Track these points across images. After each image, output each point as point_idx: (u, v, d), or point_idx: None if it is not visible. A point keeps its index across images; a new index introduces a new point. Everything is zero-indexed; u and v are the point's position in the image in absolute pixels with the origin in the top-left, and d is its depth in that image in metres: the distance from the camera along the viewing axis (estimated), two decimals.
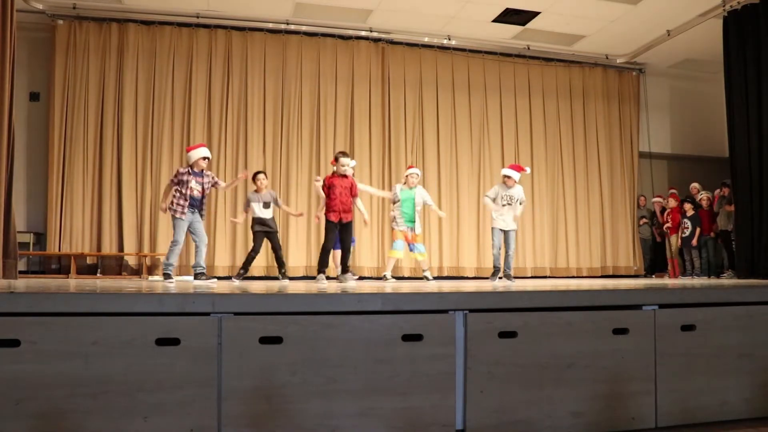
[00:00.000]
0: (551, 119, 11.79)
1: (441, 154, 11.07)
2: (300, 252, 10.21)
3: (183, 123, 10.05)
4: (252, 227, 7.31)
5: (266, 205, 7.31)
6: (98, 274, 9.50)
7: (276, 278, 8.49)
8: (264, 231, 7.24)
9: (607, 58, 11.82)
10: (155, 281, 7.32)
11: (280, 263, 7.43)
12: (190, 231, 6.63)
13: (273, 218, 7.38)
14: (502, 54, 11.46)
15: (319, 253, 7.02)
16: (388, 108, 10.88)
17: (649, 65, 12.23)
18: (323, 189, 6.90)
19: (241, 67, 10.31)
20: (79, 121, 9.69)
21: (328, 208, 6.77)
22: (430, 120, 11.11)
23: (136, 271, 9.67)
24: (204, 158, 6.71)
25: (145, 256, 9.59)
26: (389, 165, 10.78)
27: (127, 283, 5.41)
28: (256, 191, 7.34)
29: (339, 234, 6.86)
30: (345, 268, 7.07)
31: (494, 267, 7.61)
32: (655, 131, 12.55)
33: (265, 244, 7.34)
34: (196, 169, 6.67)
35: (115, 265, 9.72)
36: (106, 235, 9.61)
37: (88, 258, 9.61)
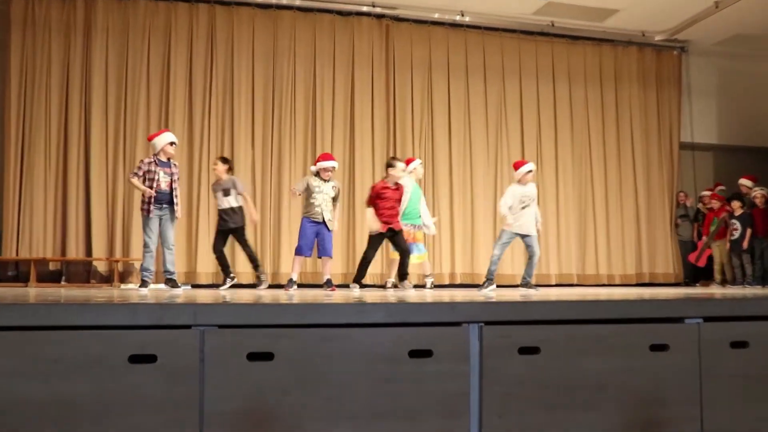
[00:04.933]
0: (578, 106, 11.79)
1: (453, 147, 11.07)
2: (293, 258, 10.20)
3: (160, 111, 10.07)
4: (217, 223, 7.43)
5: (226, 192, 7.33)
6: (62, 282, 9.53)
7: (272, 286, 8.52)
8: (226, 227, 7.26)
9: (643, 35, 11.81)
10: (129, 289, 7.35)
11: (253, 262, 7.47)
12: (159, 232, 6.71)
13: (240, 208, 7.36)
14: (522, 32, 11.46)
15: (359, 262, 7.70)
16: (392, 94, 10.89)
17: (693, 43, 12.18)
18: (370, 201, 7.59)
19: (226, 48, 10.33)
20: (40, 109, 9.69)
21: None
22: (441, 108, 11.12)
23: (107, 279, 9.69)
24: (171, 143, 6.78)
25: (117, 262, 9.61)
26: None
27: (95, 292, 5.42)
28: (216, 182, 7.38)
29: (377, 241, 7.52)
30: (404, 275, 7.49)
31: (489, 275, 7.54)
32: (700, 119, 12.52)
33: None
34: (163, 158, 6.72)
35: (83, 272, 9.74)
36: (72, 237, 9.63)
37: (50, 264, 9.63)
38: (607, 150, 11.87)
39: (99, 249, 9.68)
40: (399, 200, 7.57)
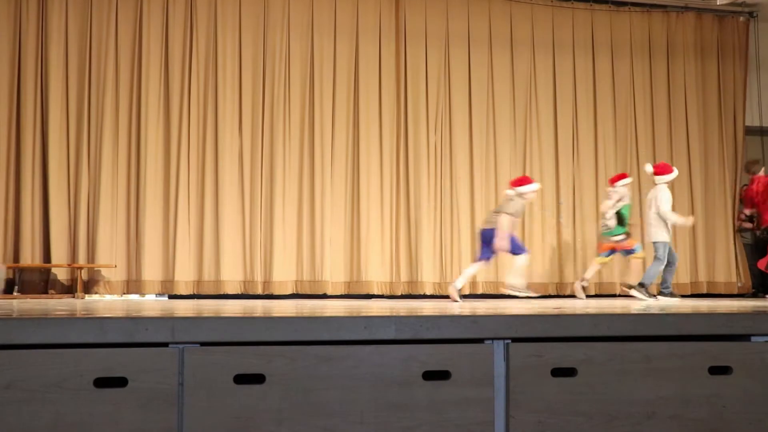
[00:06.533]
0: (623, 85, 11.75)
1: (474, 132, 11.05)
2: (289, 263, 10.22)
3: (131, 90, 10.03)
4: None
5: None
6: (15, 293, 9.53)
7: (263, 297, 8.51)
8: None
9: None
10: (94, 301, 7.38)
11: None
12: None
13: None
14: None
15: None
16: (404, 71, 10.89)
17: (764, 7, 12.09)
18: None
19: (208, 16, 10.31)
20: None
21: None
22: (460, 86, 11.10)
23: (68, 289, 9.70)
24: None
25: (80, 269, 9.61)
26: (405, 145, 10.78)
27: (55, 305, 5.44)
28: None
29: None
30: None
31: (669, 287, 9.34)
32: None
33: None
34: None
35: (39, 281, 9.76)
36: (27, 240, 9.63)
37: None
38: (656, 136, 11.80)
39: (59, 254, 9.68)
40: None
